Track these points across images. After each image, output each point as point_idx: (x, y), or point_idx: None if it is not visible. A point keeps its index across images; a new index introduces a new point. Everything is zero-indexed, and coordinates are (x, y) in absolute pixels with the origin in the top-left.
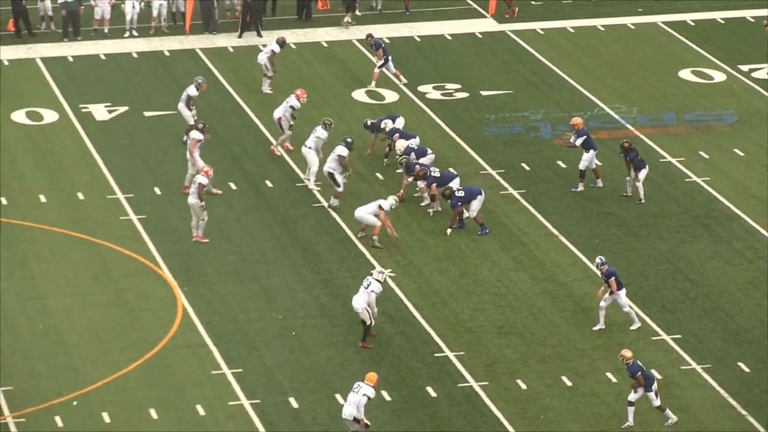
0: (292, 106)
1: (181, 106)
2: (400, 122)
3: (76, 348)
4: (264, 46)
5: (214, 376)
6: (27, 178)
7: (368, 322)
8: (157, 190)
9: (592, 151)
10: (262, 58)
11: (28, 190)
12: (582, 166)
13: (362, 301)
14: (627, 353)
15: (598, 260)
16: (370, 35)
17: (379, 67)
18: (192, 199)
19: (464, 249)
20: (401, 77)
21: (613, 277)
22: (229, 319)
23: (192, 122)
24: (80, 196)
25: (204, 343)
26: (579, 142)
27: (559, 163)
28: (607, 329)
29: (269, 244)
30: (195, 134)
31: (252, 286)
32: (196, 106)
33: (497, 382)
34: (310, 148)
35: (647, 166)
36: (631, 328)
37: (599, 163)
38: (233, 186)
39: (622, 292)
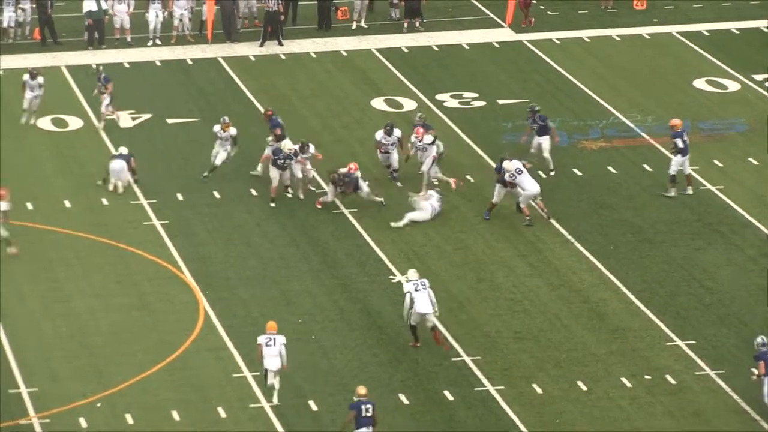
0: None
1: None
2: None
3: (100, 350)
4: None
5: (235, 378)
6: (52, 184)
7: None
8: (179, 196)
9: (680, 156)
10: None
11: (52, 196)
12: (673, 170)
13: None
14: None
15: (759, 340)
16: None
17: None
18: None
19: (481, 255)
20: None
21: (762, 361)
22: (249, 322)
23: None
24: (104, 201)
25: (225, 346)
26: (680, 143)
27: (575, 170)
28: (620, 334)
29: (289, 249)
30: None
31: (272, 290)
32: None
33: (513, 386)
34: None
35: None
36: None
37: (690, 171)
38: (254, 192)
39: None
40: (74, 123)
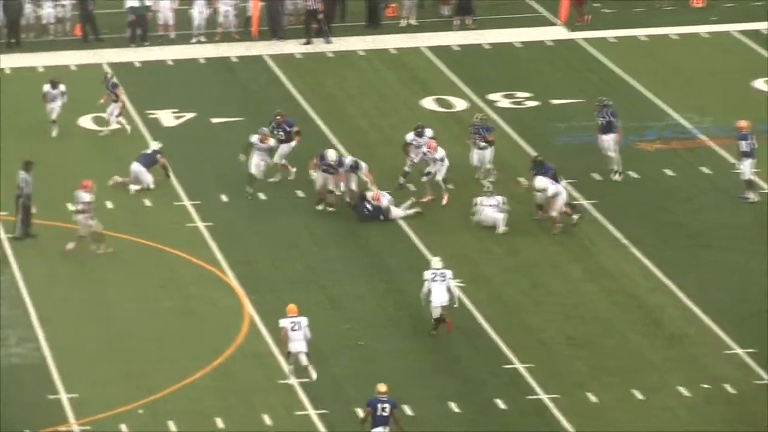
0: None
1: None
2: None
3: (143, 355)
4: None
5: (281, 385)
6: (94, 184)
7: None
8: (224, 197)
9: (750, 160)
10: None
11: (95, 196)
12: (747, 175)
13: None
14: None
15: None
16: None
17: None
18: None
19: (535, 260)
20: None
21: None
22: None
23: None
24: (147, 202)
25: (270, 351)
26: (744, 146)
27: (631, 173)
28: (677, 341)
29: (337, 252)
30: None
31: (319, 294)
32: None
33: (567, 394)
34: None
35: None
36: None
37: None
38: (301, 194)
39: None
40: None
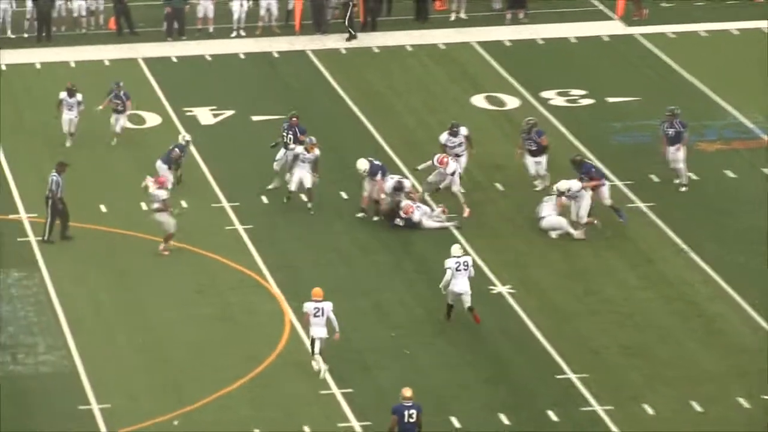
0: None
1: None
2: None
3: (178, 364)
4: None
5: (323, 396)
6: (127, 185)
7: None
8: (264, 199)
9: None
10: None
11: (128, 197)
12: None
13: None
14: None
15: None
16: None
17: None
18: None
19: (589, 265)
20: None
21: None
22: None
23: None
24: (183, 204)
25: (313, 363)
26: None
27: (691, 174)
28: (737, 351)
29: (382, 256)
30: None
31: (363, 301)
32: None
33: (622, 406)
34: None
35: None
36: None
37: None
38: (344, 195)
39: None
40: (151, 119)
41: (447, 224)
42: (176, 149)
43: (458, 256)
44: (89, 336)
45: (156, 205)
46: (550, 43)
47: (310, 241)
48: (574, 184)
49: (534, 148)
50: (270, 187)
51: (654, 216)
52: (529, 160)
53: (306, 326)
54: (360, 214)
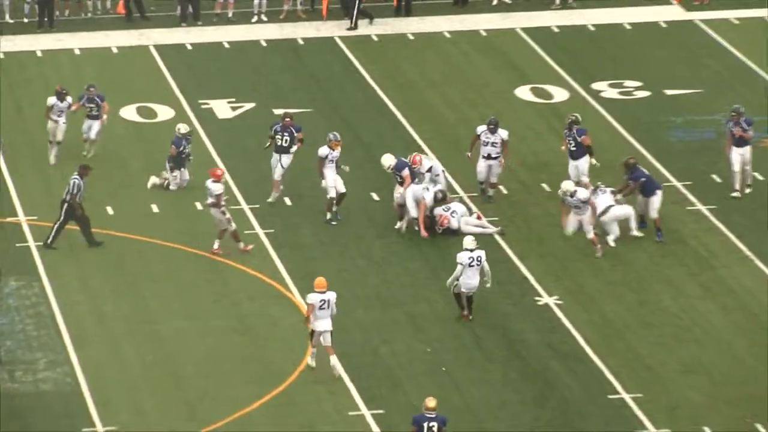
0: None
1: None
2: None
3: (191, 381)
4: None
5: (351, 417)
6: (137, 184)
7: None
8: (287, 201)
9: None
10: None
11: (138, 198)
12: None
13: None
14: None
15: None
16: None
17: None
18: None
19: (643, 273)
20: None
21: None
22: (368, 350)
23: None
24: (198, 205)
25: (340, 378)
26: None
27: (756, 174)
28: None
29: (416, 263)
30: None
31: (396, 312)
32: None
33: (681, 428)
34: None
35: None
36: None
37: None
38: (375, 196)
39: None
40: (163, 113)
41: (489, 230)
42: (172, 145)
43: (471, 250)
44: (94, 351)
45: (210, 200)
46: (602, 30)
47: (338, 246)
48: (582, 192)
49: (574, 148)
50: (270, 200)
51: (716, 220)
52: (570, 164)
53: (308, 318)
54: (399, 225)
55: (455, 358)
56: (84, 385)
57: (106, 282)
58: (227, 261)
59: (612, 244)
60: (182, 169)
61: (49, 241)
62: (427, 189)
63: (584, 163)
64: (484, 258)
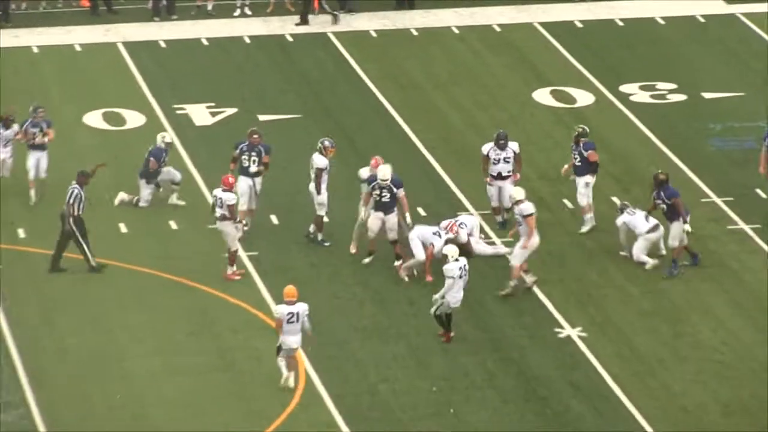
0: None
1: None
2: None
3: (164, 425)
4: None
5: None
6: (104, 202)
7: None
8: (273, 219)
9: None
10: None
11: (105, 217)
12: None
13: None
14: None
15: None
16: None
17: None
18: None
19: (678, 301)
20: None
21: None
22: (366, 389)
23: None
24: (173, 225)
25: (333, 421)
26: None
27: None
28: None
29: (421, 290)
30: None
31: (397, 345)
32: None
33: None
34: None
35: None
36: None
37: None
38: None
39: None
40: (133, 119)
41: (502, 251)
42: (151, 158)
43: (457, 259)
44: (54, 391)
45: (219, 212)
46: (631, 25)
47: (329, 269)
48: (527, 207)
49: (579, 164)
50: (246, 228)
51: (761, 241)
52: (578, 180)
53: (278, 332)
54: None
55: (465, 398)
56: (41, 429)
57: (68, 312)
58: (206, 288)
59: (649, 266)
60: (154, 185)
61: (91, 264)
62: (439, 235)
63: (585, 182)
64: (467, 268)
